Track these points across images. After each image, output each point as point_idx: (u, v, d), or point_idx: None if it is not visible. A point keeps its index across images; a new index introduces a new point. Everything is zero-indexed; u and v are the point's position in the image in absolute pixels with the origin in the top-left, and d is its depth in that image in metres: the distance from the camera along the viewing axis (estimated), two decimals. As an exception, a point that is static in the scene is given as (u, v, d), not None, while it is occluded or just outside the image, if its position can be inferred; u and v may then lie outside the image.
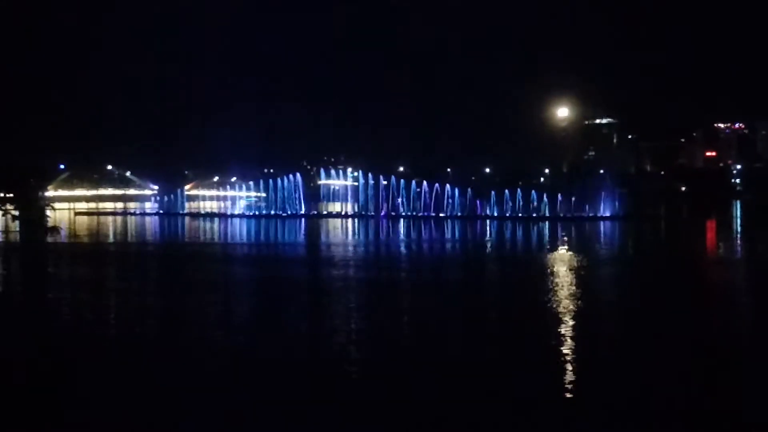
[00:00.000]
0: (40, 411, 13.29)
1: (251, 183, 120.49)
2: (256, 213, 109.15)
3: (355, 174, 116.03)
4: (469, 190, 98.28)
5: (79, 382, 15.07)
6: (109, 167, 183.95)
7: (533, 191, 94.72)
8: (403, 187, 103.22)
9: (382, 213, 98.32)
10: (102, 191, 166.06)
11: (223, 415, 12.93)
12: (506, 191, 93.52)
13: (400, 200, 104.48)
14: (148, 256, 47.60)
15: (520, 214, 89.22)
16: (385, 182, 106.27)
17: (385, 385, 14.69)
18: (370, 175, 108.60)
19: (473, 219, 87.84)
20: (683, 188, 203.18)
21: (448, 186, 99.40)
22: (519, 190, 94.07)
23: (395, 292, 28.16)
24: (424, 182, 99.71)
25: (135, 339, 19.33)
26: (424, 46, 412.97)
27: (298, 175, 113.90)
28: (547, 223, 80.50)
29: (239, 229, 76.27)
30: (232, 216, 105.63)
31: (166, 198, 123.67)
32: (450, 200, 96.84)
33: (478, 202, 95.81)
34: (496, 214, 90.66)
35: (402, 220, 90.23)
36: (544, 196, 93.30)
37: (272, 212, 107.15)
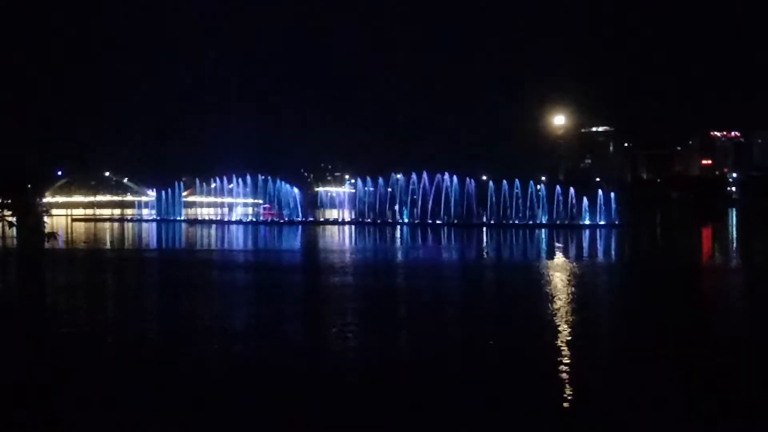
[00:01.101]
0: (40, 414, 13.38)
1: (248, 190, 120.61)
2: (253, 220, 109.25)
3: (353, 181, 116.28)
4: (466, 179, 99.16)
5: (80, 386, 15.14)
6: (107, 173, 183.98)
7: (531, 182, 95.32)
8: (403, 184, 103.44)
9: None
10: (99, 197, 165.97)
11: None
12: (504, 181, 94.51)
13: (396, 207, 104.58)
14: (145, 262, 47.61)
15: (516, 222, 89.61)
16: (389, 189, 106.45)
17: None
18: (368, 180, 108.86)
19: (470, 227, 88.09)
20: (679, 196, 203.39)
21: (446, 175, 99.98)
22: (517, 181, 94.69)
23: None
24: (425, 173, 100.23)
25: (134, 345, 19.39)
26: (422, 51, 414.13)
27: (295, 188, 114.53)
28: (543, 230, 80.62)
29: (235, 236, 76.30)
30: (229, 222, 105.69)
31: (163, 204, 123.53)
32: (449, 192, 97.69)
33: (474, 208, 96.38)
34: (492, 222, 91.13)
35: (398, 227, 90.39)
36: (542, 189, 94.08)
37: (269, 219, 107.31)
